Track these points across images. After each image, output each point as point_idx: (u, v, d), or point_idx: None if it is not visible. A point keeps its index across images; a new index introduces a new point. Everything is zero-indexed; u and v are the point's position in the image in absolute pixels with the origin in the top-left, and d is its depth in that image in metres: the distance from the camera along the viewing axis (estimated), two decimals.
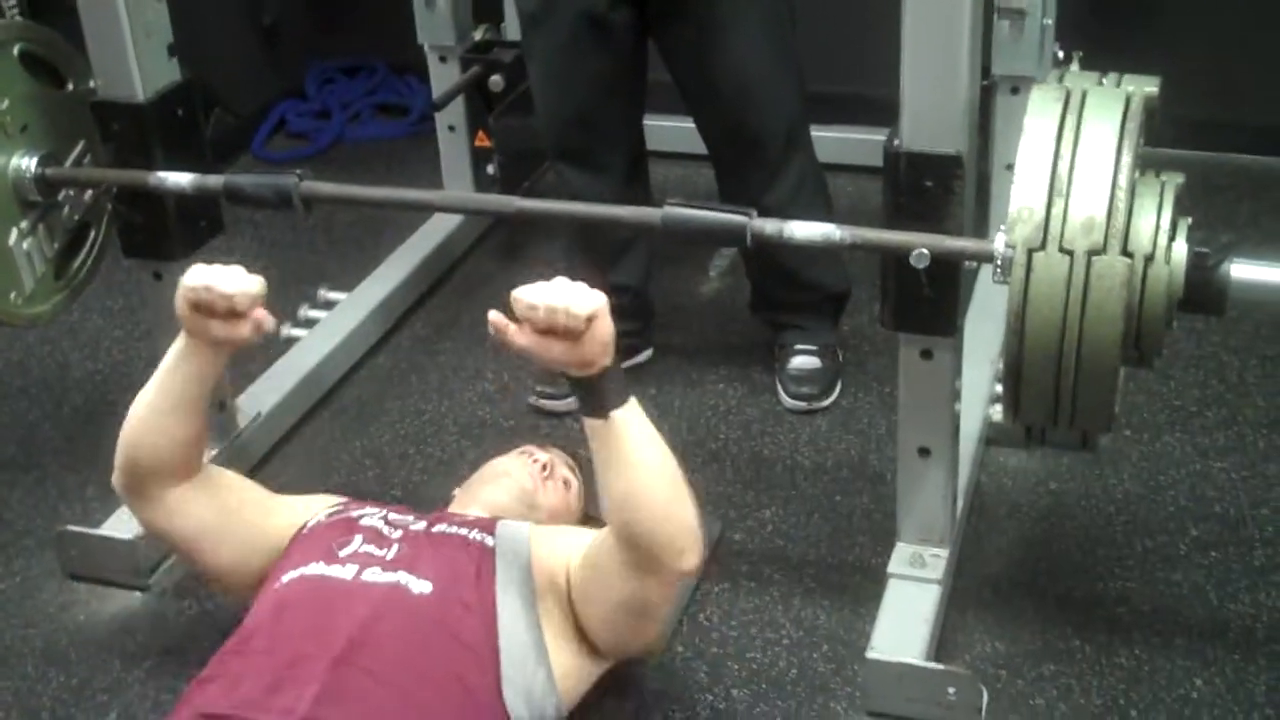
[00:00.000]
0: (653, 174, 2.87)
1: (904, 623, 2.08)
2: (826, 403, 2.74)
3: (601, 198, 2.47)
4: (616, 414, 1.77)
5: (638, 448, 1.79)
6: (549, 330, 1.72)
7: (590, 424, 1.80)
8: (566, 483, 2.19)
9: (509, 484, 2.12)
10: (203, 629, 2.27)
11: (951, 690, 2.00)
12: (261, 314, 1.85)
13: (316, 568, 1.87)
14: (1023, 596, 2.25)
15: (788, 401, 2.74)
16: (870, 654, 2.03)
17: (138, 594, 2.36)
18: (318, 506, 2.06)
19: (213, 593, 2.32)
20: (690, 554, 1.81)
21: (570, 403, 2.77)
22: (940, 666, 2.02)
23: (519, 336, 1.74)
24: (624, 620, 1.89)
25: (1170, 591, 2.25)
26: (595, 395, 1.77)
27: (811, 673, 2.13)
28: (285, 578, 1.89)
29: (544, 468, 2.16)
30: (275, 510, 2.05)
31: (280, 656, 1.76)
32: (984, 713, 2.01)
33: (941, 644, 2.12)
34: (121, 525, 2.38)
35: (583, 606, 1.89)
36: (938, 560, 2.16)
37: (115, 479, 2.01)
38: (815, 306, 2.80)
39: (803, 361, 2.77)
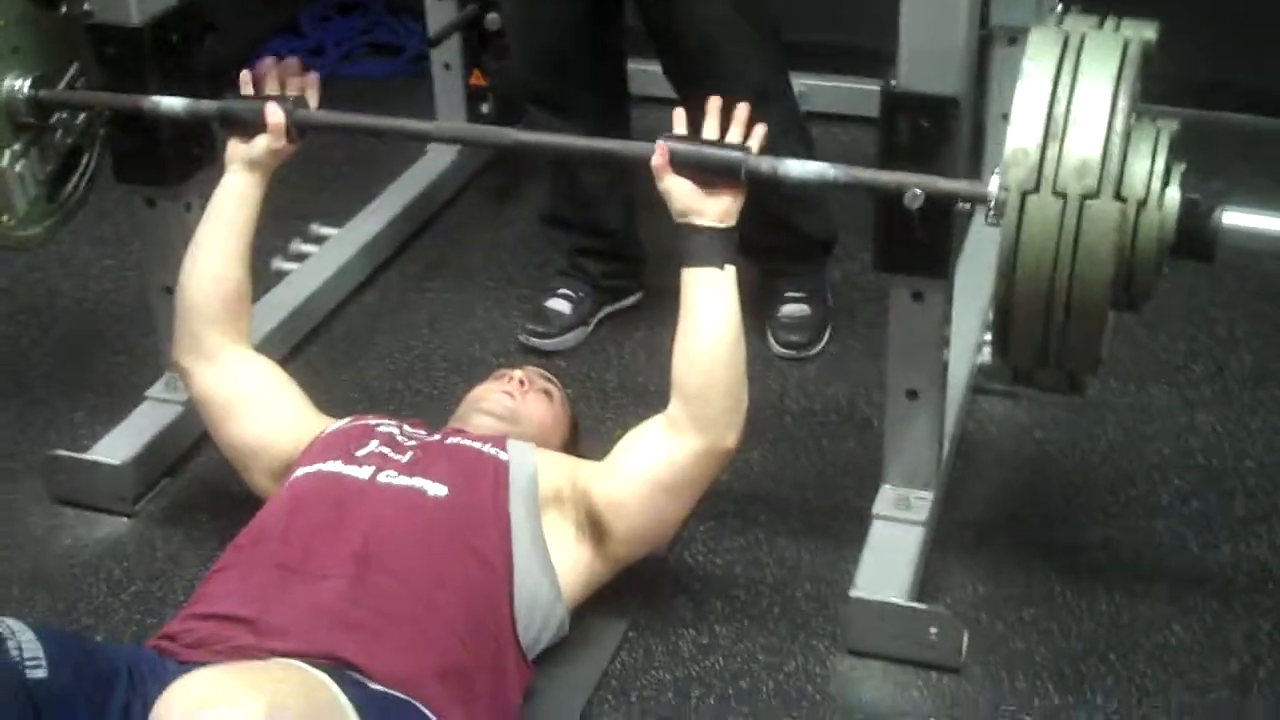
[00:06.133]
0: (641, 119, 2.83)
1: (887, 563, 2.10)
2: (815, 350, 2.75)
3: None
4: (711, 270, 1.94)
5: (720, 307, 1.94)
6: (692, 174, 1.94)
7: (687, 274, 1.95)
8: (546, 393, 2.23)
9: (490, 404, 2.16)
10: (189, 556, 2.28)
11: (933, 630, 2.02)
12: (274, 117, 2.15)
13: (334, 465, 1.95)
14: (1006, 541, 2.27)
15: (777, 349, 2.74)
16: (853, 592, 2.05)
17: (124, 520, 2.37)
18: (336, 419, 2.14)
19: (198, 519, 2.35)
20: (736, 430, 1.96)
21: (558, 342, 2.79)
22: (922, 606, 2.04)
23: (669, 174, 1.95)
24: (655, 499, 1.97)
25: (1152, 540, 2.27)
26: (700, 246, 1.94)
27: (794, 611, 2.15)
28: (301, 471, 1.97)
29: (520, 383, 2.20)
30: (307, 407, 2.16)
31: (294, 548, 1.81)
32: (964, 653, 2.03)
33: (924, 586, 2.13)
34: (110, 450, 2.39)
35: (609, 494, 1.96)
36: (922, 503, 2.17)
37: (175, 345, 2.17)
38: (801, 252, 2.78)
39: (792, 309, 2.77)
